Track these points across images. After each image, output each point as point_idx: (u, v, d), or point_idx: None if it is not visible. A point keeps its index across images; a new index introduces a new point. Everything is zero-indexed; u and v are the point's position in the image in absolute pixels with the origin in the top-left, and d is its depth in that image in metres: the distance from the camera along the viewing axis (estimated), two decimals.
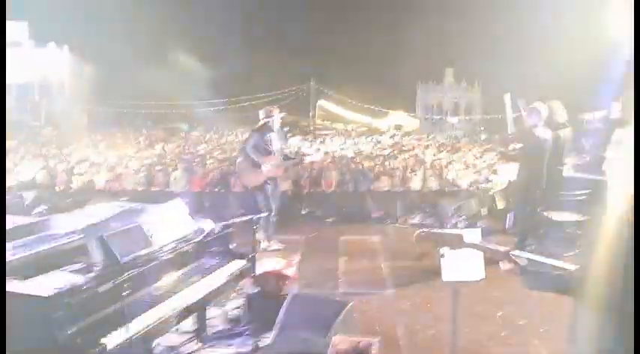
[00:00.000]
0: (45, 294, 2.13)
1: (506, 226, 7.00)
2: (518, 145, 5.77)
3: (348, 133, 28.98)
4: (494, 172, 5.85)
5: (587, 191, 6.75)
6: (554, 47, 16.49)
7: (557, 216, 6.09)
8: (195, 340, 3.78)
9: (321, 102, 39.19)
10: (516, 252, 2.28)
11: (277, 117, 6.39)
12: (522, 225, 5.97)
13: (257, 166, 6.15)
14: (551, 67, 17.39)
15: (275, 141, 6.31)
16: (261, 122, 6.36)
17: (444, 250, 2.38)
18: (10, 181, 7.28)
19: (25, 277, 2.31)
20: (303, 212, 8.51)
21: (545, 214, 6.03)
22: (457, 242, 2.33)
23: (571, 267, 2.08)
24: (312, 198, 9.31)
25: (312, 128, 31.32)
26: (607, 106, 7.92)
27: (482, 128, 28.88)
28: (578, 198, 6.70)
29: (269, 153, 6.21)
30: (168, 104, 28.62)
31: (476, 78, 33.37)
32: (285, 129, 8.27)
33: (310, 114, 37.00)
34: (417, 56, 32.09)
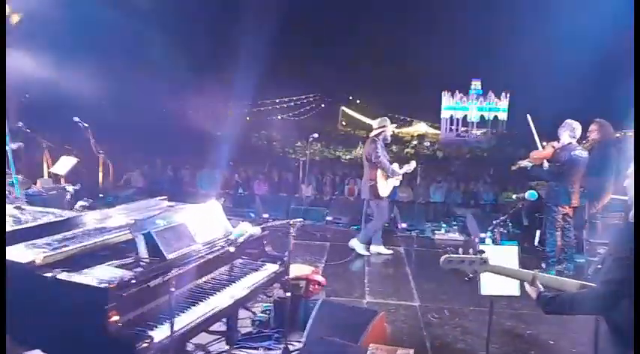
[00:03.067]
0: (100, 284, 2.21)
1: (535, 244, 6.94)
2: (557, 164, 5.69)
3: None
4: (529, 188, 5.80)
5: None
6: (583, 66, 16.24)
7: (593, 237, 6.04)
8: (225, 341, 3.85)
9: (344, 109, 39.23)
10: (540, 274, 2.31)
11: (390, 127, 6.53)
12: (554, 245, 5.88)
13: (387, 174, 6.34)
14: (582, 86, 17.14)
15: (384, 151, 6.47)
16: (377, 131, 6.45)
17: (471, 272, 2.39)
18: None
19: (77, 269, 2.39)
20: (329, 218, 8.50)
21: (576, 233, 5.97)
22: (482, 267, 2.33)
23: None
24: (336, 204, 9.38)
25: (333, 135, 31.37)
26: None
27: (508, 142, 28.50)
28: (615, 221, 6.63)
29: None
30: None
31: (503, 90, 32.95)
32: (315, 135, 8.28)
33: (339, 120, 37.10)
34: (443, 65, 31.84)
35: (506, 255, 2.99)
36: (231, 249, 3.35)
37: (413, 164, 6.50)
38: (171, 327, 2.34)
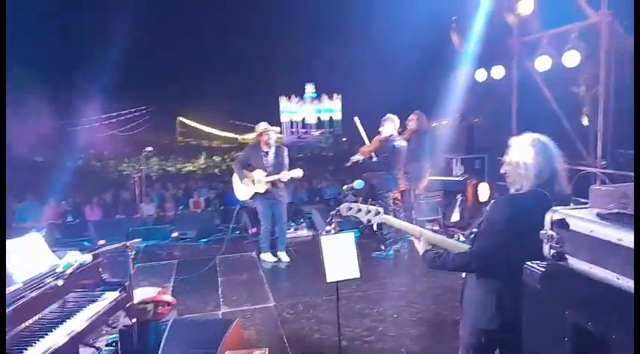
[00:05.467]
0: None
1: (375, 229, 7.55)
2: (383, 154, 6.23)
3: (214, 150, 28.47)
4: (363, 179, 6.30)
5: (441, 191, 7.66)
6: (406, 63, 18.12)
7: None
8: None
9: (181, 119, 37.96)
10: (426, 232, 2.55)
11: (268, 132, 6.23)
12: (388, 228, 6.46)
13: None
14: (406, 82, 19.08)
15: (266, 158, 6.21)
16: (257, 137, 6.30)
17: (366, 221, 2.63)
18: None
19: None
20: (175, 235, 8.14)
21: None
22: (375, 217, 2.61)
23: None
24: (181, 218, 9.04)
25: (171, 148, 30.13)
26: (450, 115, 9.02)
27: (344, 139, 30.44)
28: (437, 199, 7.55)
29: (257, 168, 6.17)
30: None
31: (335, 92, 35.13)
32: (149, 149, 7.81)
33: (177, 131, 35.68)
34: (278, 71, 32.75)
35: (344, 241, 3.18)
36: (60, 283, 3.01)
37: (296, 172, 6.24)
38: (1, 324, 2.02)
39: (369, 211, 2.63)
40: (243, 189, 6.27)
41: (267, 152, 6.21)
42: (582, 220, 1.40)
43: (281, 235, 6.53)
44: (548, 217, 1.53)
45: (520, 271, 1.72)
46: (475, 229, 2.43)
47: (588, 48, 6.37)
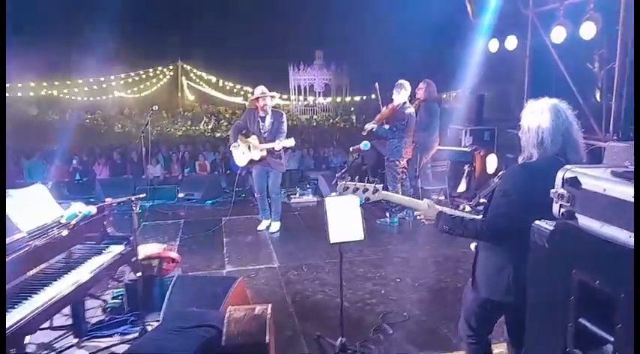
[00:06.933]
0: None
1: None
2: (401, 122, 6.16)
3: (222, 114, 28.33)
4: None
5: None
6: (417, 31, 17.73)
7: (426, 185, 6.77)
8: (72, 335, 3.52)
9: (189, 82, 37.64)
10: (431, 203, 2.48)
11: (265, 97, 5.90)
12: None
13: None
14: (416, 50, 18.72)
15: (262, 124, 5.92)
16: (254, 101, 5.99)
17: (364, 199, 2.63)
18: None
19: None
20: (181, 195, 8.18)
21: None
22: (374, 195, 2.61)
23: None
24: (188, 180, 9.07)
25: (181, 110, 29.98)
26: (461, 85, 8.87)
27: (352, 109, 30.13)
28: (443, 169, 7.50)
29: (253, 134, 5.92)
30: None
31: (345, 59, 34.60)
32: (154, 107, 7.64)
33: (179, 95, 35.48)
34: (287, 38, 32.19)
35: (348, 203, 3.17)
36: (64, 233, 3.04)
37: (288, 142, 5.90)
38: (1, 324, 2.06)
39: (366, 190, 2.58)
40: (239, 156, 6.03)
41: (263, 117, 5.90)
42: (595, 178, 1.37)
43: (274, 205, 6.23)
44: (560, 175, 1.50)
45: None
46: (483, 200, 2.37)
47: (605, 20, 6.17)
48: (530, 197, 1.93)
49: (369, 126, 6.38)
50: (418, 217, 2.51)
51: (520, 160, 2.21)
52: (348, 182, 2.64)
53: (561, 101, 2.17)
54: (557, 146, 2.08)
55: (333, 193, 4.61)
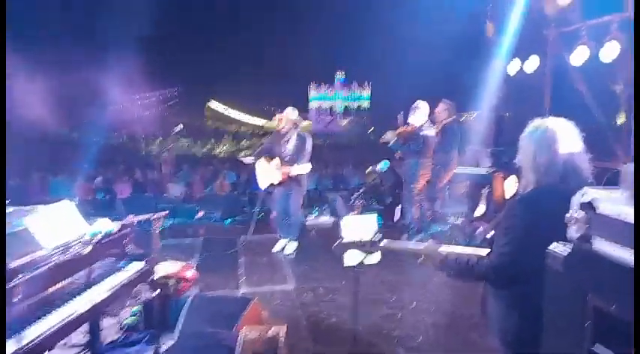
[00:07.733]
0: None
1: (395, 220, 7.50)
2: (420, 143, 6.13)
3: (242, 134, 28.74)
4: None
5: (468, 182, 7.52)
6: (436, 52, 17.83)
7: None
8: (89, 353, 3.54)
9: (211, 103, 38.36)
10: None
11: (285, 118, 5.94)
12: (412, 217, 6.39)
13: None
14: (436, 70, 18.81)
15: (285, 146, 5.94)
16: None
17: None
18: None
19: None
20: (200, 214, 8.27)
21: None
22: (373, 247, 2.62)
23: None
24: (208, 199, 9.16)
25: (200, 130, 30.56)
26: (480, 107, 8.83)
27: (372, 128, 30.22)
28: (462, 190, 7.43)
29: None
30: None
31: (366, 80, 34.86)
32: (179, 126, 7.82)
33: (206, 115, 36.20)
34: (308, 58, 32.66)
35: (365, 223, 3.15)
36: (86, 250, 3.08)
37: (303, 168, 5.88)
38: (19, 341, 2.10)
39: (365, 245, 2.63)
40: (261, 178, 6.05)
41: (287, 140, 5.89)
42: (611, 202, 1.35)
43: (292, 226, 6.15)
44: (577, 197, 1.48)
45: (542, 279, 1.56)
46: (493, 231, 2.20)
47: (627, 41, 6.11)
48: (532, 231, 1.83)
49: (388, 135, 6.33)
50: (419, 263, 2.33)
51: (520, 189, 2.09)
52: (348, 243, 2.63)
53: (567, 121, 2.04)
54: (556, 172, 1.95)
55: (351, 213, 4.63)
